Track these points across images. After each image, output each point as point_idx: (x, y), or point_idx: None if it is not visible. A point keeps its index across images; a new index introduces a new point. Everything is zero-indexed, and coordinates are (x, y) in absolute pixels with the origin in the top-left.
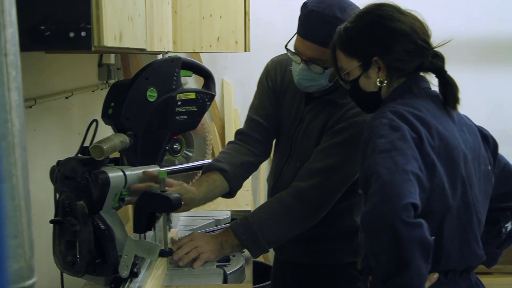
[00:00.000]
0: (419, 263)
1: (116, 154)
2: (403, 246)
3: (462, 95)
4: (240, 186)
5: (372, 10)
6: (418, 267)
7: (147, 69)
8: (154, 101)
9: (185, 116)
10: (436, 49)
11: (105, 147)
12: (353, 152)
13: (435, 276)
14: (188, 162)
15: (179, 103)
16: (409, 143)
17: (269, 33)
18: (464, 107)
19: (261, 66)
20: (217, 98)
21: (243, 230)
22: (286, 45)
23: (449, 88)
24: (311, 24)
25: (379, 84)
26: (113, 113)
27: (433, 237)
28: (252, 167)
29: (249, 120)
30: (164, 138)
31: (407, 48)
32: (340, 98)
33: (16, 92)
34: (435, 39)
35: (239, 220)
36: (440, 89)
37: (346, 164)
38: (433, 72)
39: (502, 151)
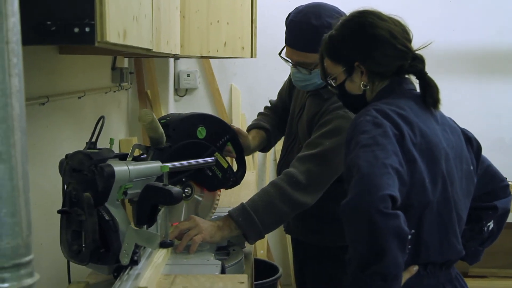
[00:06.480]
0: (395, 252)
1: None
2: (380, 235)
3: (462, 105)
4: (273, 146)
5: (353, 17)
6: (394, 256)
7: (211, 117)
8: (197, 138)
9: (210, 173)
10: (429, 57)
11: (154, 116)
12: (339, 139)
13: (415, 268)
14: (197, 206)
15: (212, 159)
16: (390, 139)
17: (276, 43)
18: (464, 117)
19: (268, 73)
20: (225, 103)
21: (239, 213)
22: (279, 53)
23: (428, 89)
24: (291, 32)
25: (363, 88)
26: (165, 122)
27: (413, 230)
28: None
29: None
30: (185, 169)
31: (386, 53)
32: (327, 94)
33: (16, 78)
34: (435, 51)
35: (236, 206)
36: (420, 90)
37: (333, 150)
38: (414, 74)
39: (499, 159)
